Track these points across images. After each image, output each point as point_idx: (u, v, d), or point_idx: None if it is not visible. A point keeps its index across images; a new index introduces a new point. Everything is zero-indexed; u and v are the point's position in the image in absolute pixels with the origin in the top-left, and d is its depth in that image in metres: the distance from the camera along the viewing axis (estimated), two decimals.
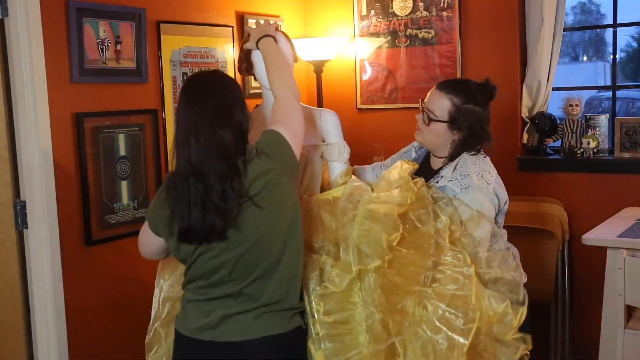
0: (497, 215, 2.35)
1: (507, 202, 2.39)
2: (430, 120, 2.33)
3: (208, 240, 1.95)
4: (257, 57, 2.44)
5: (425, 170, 2.40)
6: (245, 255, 1.97)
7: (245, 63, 2.51)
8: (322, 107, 4.19)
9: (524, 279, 2.30)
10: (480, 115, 2.33)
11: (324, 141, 2.53)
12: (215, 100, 1.98)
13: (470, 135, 2.33)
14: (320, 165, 2.54)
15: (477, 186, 2.23)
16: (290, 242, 2.01)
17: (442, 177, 2.31)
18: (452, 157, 2.36)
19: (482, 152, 2.36)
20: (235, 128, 1.97)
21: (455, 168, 2.30)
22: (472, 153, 2.34)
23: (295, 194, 2.06)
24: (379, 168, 2.67)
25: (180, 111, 1.99)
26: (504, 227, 2.42)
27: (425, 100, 2.39)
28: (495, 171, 2.35)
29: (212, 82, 2.04)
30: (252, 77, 2.55)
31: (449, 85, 2.38)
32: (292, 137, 2.05)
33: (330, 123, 2.52)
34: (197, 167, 1.92)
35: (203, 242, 1.96)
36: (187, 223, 1.94)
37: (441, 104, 2.33)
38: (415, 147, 2.60)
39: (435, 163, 2.44)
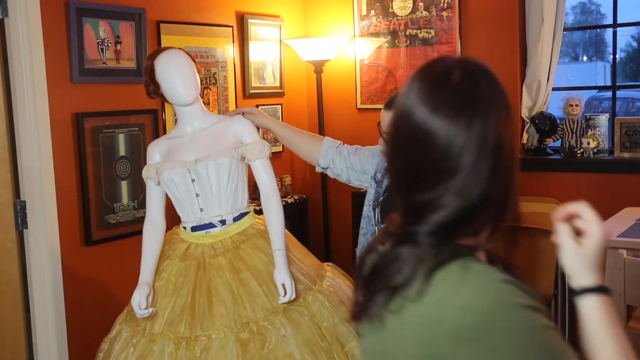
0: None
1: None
2: None
3: None
4: (162, 75, 2.42)
5: None
6: None
7: (152, 85, 2.49)
8: (322, 107, 4.19)
9: None
10: None
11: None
12: None
13: None
14: (244, 169, 2.51)
15: None
16: None
17: None
18: None
19: None
20: None
21: None
22: None
23: None
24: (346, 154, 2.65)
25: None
26: None
27: (382, 126, 2.69)
28: None
29: None
30: (161, 98, 2.53)
31: (390, 102, 2.69)
32: None
33: (244, 124, 2.50)
34: None
35: None
36: None
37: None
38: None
39: None
